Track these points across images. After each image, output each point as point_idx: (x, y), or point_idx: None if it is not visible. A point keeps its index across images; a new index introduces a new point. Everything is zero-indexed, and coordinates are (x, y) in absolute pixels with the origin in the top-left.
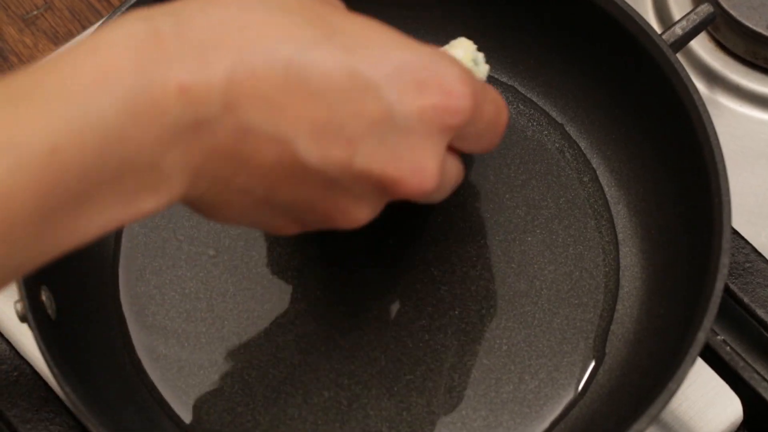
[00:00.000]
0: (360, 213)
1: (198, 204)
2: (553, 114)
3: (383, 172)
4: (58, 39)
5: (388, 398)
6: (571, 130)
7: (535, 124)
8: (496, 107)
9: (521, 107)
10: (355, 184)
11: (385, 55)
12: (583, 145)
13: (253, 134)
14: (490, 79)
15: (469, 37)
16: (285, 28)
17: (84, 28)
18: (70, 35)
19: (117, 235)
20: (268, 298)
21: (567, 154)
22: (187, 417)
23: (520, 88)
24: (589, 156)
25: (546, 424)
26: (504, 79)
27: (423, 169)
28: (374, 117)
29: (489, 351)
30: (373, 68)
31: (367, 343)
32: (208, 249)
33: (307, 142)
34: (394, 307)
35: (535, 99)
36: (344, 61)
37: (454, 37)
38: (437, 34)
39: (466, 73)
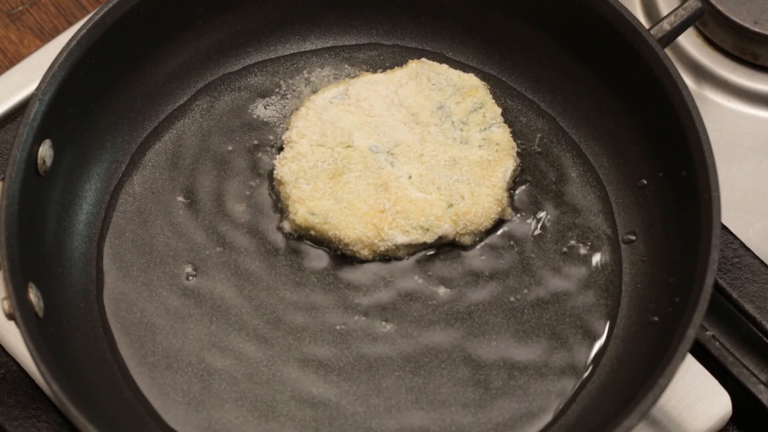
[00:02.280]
0: None
1: None
2: (543, 106)
3: None
4: (43, 35)
5: (376, 395)
6: (561, 122)
7: (525, 116)
8: None
9: (509, 101)
10: None
11: None
12: (575, 137)
13: None
14: (479, 73)
15: (458, 34)
16: None
17: (70, 23)
18: (55, 31)
19: (101, 233)
20: (256, 295)
21: (557, 146)
22: (171, 416)
23: (509, 82)
24: (582, 148)
25: (541, 423)
26: (493, 73)
27: None
28: None
29: (479, 343)
30: None
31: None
32: (196, 243)
33: None
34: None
35: (524, 92)
36: None
37: (442, 37)
38: (426, 33)
39: None
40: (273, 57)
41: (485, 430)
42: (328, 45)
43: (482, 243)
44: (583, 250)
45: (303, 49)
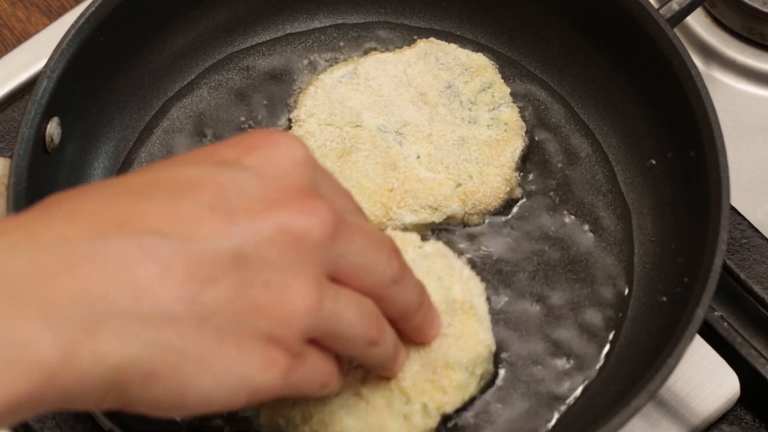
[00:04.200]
0: (299, 288)
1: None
2: (553, 85)
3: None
4: (51, 13)
5: None
6: (571, 101)
7: (534, 95)
8: (369, 233)
9: (518, 81)
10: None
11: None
12: (584, 117)
13: None
14: (489, 51)
15: (467, 14)
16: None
17: (77, 1)
18: (63, 9)
19: None
20: None
21: (566, 125)
22: None
23: (519, 60)
24: (591, 128)
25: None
26: (503, 52)
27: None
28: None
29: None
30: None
31: None
32: None
33: None
34: None
35: (534, 71)
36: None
37: (451, 16)
38: (435, 13)
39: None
40: (281, 35)
41: (495, 418)
42: (337, 23)
43: (490, 222)
44: (590, 231)
45: (311, 27)
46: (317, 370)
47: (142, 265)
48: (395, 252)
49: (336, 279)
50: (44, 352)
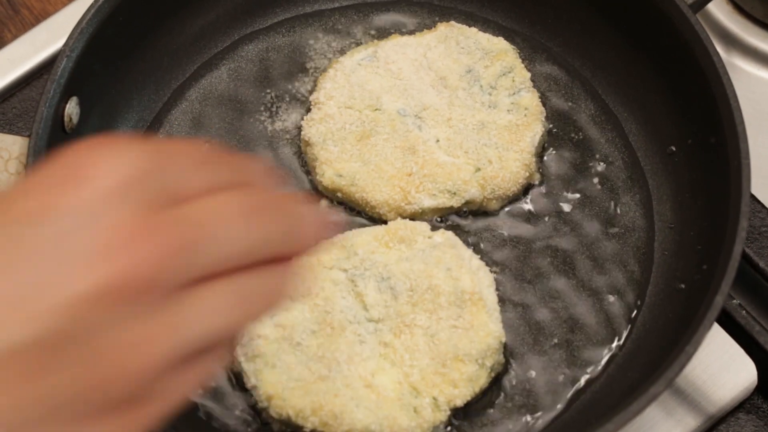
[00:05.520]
0: (144, 338)
1: None
2: (575, 68)
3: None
4: None
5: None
6: (592, 85)
7: (557, 79)
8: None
9: (540, 63)
10: None
11: None
12: (605, 101)
13: None
14: (511, 33)
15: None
16: None
17: None
18: None
19: None
20: None
21: (585, 111)
22: None
23: (542, 43)
24: (613, 112)
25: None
26: (524, 32)
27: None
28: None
29: (504, 310)
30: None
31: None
32: None
33: None
34: None
35: (555, 54)
36: None
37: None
38: None
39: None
40: (300, 15)
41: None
42: (357, 2)
43: (509, 208)
44: (609, 217)
45: (331, 7)
46: (184, 386)
47: None
48: (259, 209)
49: (199, 280)
50: None
